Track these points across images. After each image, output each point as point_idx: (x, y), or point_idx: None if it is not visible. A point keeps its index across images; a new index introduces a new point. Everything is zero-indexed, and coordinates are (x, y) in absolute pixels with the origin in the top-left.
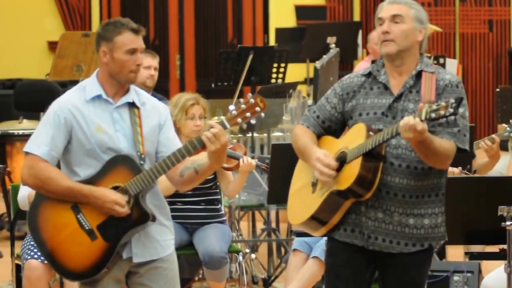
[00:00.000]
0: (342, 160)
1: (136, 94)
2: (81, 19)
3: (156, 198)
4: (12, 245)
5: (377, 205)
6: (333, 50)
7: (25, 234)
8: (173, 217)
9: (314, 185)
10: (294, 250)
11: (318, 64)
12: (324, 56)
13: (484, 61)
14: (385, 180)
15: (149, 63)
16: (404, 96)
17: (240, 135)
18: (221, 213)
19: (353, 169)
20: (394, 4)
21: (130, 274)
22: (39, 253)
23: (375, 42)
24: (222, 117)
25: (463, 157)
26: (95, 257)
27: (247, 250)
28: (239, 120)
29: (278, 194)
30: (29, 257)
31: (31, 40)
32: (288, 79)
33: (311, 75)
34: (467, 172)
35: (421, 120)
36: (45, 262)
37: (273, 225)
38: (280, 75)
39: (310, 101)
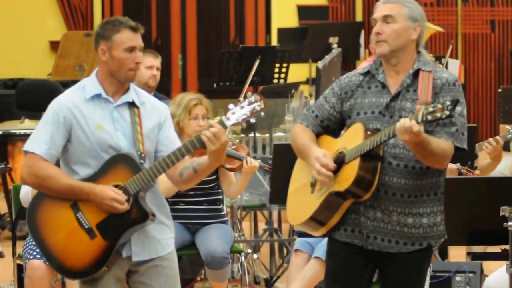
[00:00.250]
0: (341, 161)
1: (136, 93)
2: (83, 19)
3: (156, 197)
4: (14, 245)
5: (375, 205)
6: (335, 50)
7: (27, 234)
8: (175, 217)
9: (313, 185)
10: (296, 250)
11: (320, 64)
12: (326, 56)
13: (486, 61)
14: (383, 179)
15: (151, 63)
16: (402, 95)
17: (242, 135)
18: (223, 213)
19: (351, 170)
20: (387, 3)
21: (130, 273)
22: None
23: None
24: (223, 117)
25: (465, 155)
26: (94, 256)
27: (249, 250)
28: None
29: (280, 194)
30: (31, 257)
31: (33, 40)
32: (290, 79)
33: (313, 75)
34: (469, 169)
35: (418, 123)
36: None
37: (275, 225)
38: (282, 75)
39: (312, 101)
